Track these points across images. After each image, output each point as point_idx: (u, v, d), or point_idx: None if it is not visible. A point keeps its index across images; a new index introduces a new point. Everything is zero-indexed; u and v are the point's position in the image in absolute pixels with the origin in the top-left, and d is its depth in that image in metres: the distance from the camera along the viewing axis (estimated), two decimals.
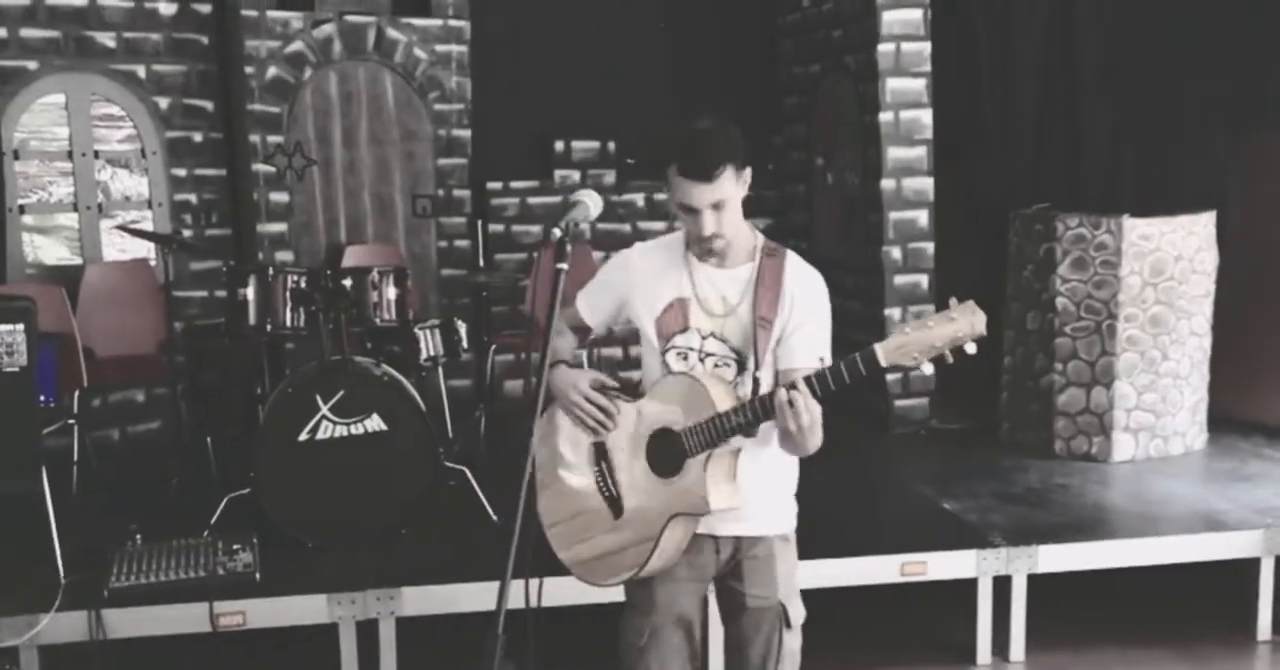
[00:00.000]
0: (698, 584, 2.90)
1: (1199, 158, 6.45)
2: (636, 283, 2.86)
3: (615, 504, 2.81)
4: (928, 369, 2.47)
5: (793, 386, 2.51)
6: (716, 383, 2.68)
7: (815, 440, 2.60)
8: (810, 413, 2.51)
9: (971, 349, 2.44)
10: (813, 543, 4.60)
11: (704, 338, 2.77)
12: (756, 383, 2.70)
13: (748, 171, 2.71)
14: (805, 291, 2.78)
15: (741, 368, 2.75)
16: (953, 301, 2.46)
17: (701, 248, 2.75)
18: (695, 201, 2.66)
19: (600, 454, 2.85)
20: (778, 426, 2.55)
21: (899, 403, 6.64)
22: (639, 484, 2.77)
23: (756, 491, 2.79)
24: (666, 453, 2.71)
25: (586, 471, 2.88)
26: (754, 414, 2.59)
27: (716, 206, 2.67)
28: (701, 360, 2.77)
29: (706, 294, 2.79)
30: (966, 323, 2.43)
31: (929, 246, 6.62)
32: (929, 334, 2.44)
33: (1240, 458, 5.80)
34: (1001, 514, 4.96)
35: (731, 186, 2.68)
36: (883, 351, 2.47)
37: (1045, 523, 4.85)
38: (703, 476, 2.65)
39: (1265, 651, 4.63)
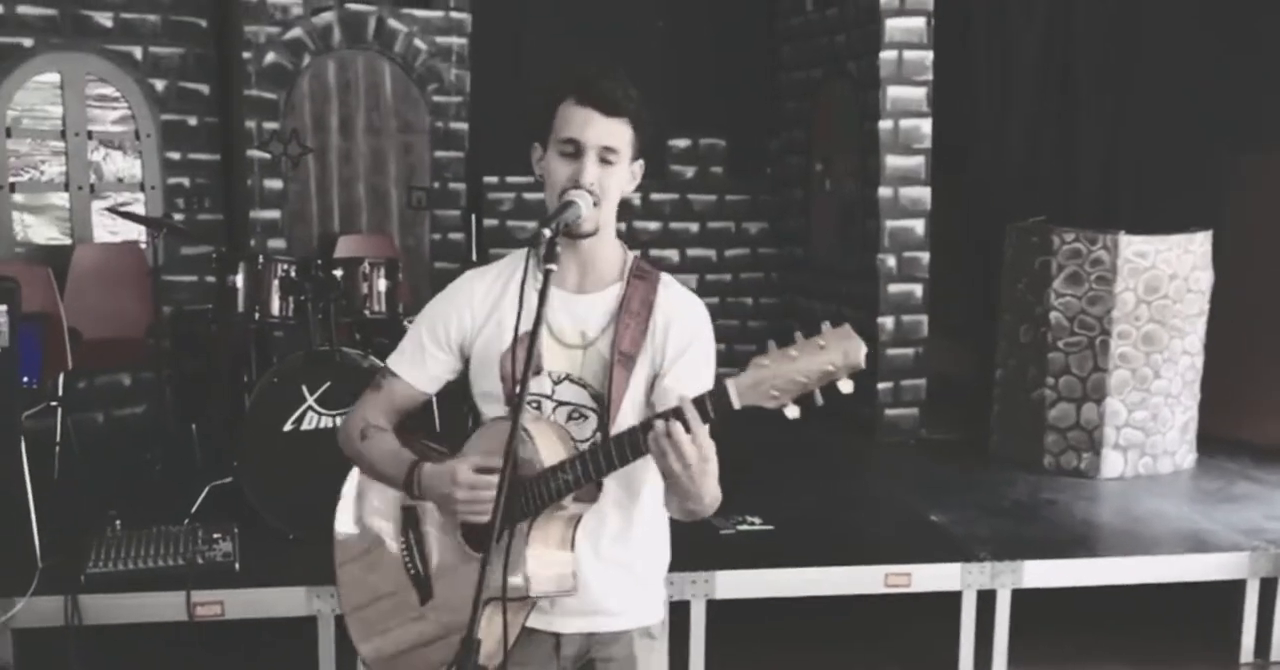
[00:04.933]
0: None
1: (1197, 176, 6.44)
2: (480, 313, 2.31)
3: (423, 585, 2.27)
4: (791, 412, 1.93)
5: (675, 413, 1.95)
6: (545, 430, 2.13)
7: (710, 488, 2.05)
8: (700, 446, 1.94)
9: (847, 387, 1.90)
10: (797, 550, 4.68)
11: (556, 382, 2.22)
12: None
13: (640, 164, 2.24)
14: (680, 320, 2.23)
15: (603, 420, 2.20)
16: (825, 325, 1.93)
17: (567, 213, 2.11)
18: (584, 134, 2.13)
19: (410, 521, 2.29)
20: (659, 469, 2.01)
21: (889, 411, 6.62)
22: (450, 561, 2.22)
23: (614, 575, 2.24)
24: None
25: (393, 543, 2.33)
26: (598, 463, 2.04)
27: (605, 158, 2.15)
28: (554, 411, 2.24)
29: (560, 323, 2.23)
30: (839, 352, 1.89)
31: (924, 256, 6.60)
32: (793, 366, 1.91)
33: (1228, 478, 5.78)
34: (988, 527, 4.93)
35: (626, 142, 2.17)
36: (736, 390, 1.93)
37: (1032, 538, 4.82)
38: (522, 551, 2.09)
39: None
